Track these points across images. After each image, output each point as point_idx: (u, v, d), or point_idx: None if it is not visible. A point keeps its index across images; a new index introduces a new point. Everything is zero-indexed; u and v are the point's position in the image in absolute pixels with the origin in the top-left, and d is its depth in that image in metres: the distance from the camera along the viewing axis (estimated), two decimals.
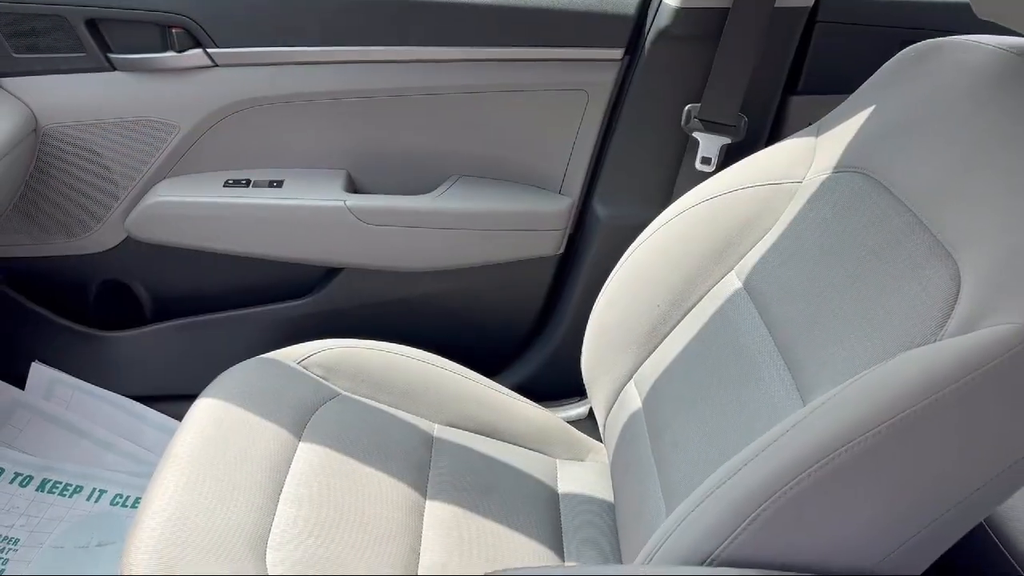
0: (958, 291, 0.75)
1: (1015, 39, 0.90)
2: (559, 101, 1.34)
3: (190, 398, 1.09)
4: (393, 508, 1.01)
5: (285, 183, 1.37)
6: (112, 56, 1.28)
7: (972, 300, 0.73)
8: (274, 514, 0.95)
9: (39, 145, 1.31)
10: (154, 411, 1.51)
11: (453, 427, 1.19)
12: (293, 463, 1.02)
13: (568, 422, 1.30)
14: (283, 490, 0.98)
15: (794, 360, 0.89)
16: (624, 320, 1.12)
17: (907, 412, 0.68)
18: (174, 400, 1.50)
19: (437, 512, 1.03)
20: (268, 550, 0.91)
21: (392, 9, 1.30)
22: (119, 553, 0.91)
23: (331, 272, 1.45)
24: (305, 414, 1.09)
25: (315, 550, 0.92)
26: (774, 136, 1.32)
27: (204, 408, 1.07)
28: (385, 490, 1.03)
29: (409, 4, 1.30)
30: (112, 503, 1.40)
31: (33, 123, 1.28)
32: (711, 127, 1.27)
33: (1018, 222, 0.73)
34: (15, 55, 1.26)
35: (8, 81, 1.27)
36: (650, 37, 1.27)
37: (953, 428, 0.69)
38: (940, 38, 0.99)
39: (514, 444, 1.21)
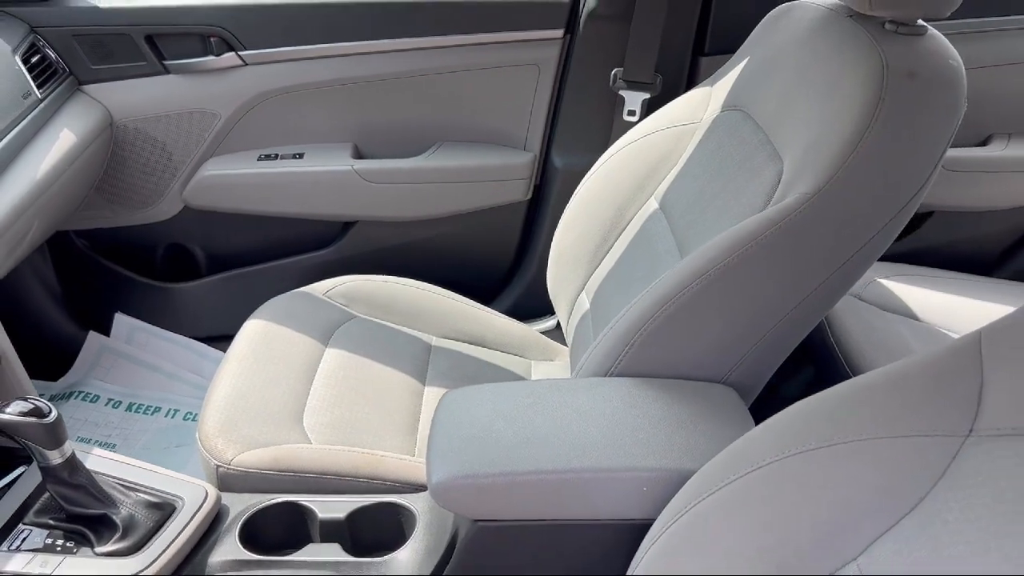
0: (779, 181, 1.03)
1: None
2: (517, 75, 1.63)
3: None
4: (399, 391, 1.28)
5: (305, 155, 1.69)
6: (166, 62, 1.60)
7: (783, 185, 1.00)
8: (308, 395, 1.24)
9: (114, 137, 1.64)
10: (211, 348, 1.83)
11: (448, 339, 1.45)
12: (321, 363, 1.31)
13: (541, 333, 1.56)
14: (314, 379, 1.27)
15: (683, 246, 1.15)
16: (575, 244, 1.37)
17: (729, 259, 0.95)
18: (226, 339, 1.80)
19: (433, 394, 1.30)
20: (304, 417, 1.20)
21: (380, 9, 1.59)
22: (192, 452, 1.17)
23: (346, 225, 1.75)
24: (330, 329, 1.37)
25: (339, 415, 1.21)
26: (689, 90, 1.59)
27: (252, 326, 1.37)
28: (393, 380, 1.30)
29: (393, 4, 1.59)
30: (184, 418, 1.74)
31: (109, 119, 1.61)
32: (633, 85, 1.55)
33: (813, 126, 0.99)
34: (93, 66, 1.59)
35: (89, 87, 1.60)
36: (583, 18, 1.56)
37: (763, 267, 0.95)
38: (791, 2, 1.24)
39: (497, 350, 1.47)
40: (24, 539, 0.98)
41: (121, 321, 1.82)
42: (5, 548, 0.96)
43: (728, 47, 1.36)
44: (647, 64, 1.53)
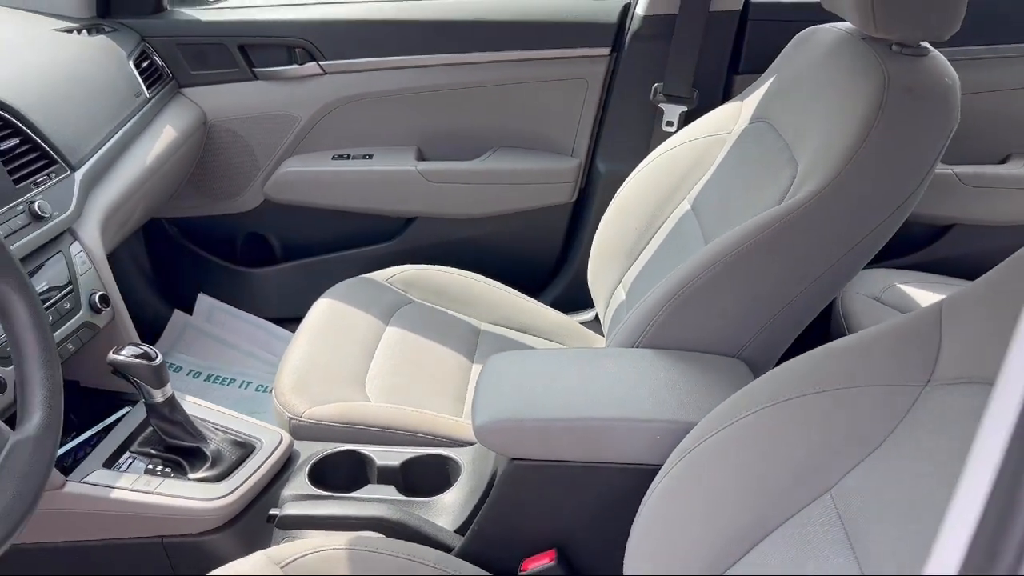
0: (792, 182, 1.16)
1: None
2: (567, 88, 1.78)
3: None
4: (449, 366, 1.42)
5: (374, 156, 1.86)
6: (255, 69, 1.79)
7: (795, 185, 1.13)
8: (370, 363, 1.40)
9: (207, 135, 1.84)
10: (282, 328, 2.01)
11: (495, 325, 1.58)
12: (382, 338, 1.46)
13: (581, 323, 1.68)
14: (375, 351, 1.43)
15: (709, 242, 1.28)
16: (614, 242, 1.48)
17: (743, 246, 1.07)
18: (296, 321, 1.96)
19: (479, 372, 1.47)
20: (366, 381, 1.36)
21: (446, 26, 1.76)
22: (263, 420, 1.31)
23: (408, 221, 1.92)
24: (390, 311, 1.52)
25: (396, 381, 1.36)
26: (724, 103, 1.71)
27: (323, 304, 1.53)
28: (444, 356, 1.45)
29: (458, 22, 1.76)
30: (255, 390, 1.92)
31: (203, 119, 1.81)
32: (672, 99, 1.69)
33: (823, 133, 1.11)
34: (192, 72, 1.79)
35: (187, 90, 1.81)
36: (628, 38, 1.71)
37: (772, 255, 1.07)
38: (816, 26, 1.37)
39: (540, 337, 1.59)
40: (130, 464, 1.17)
41: (203, 301, 2.01)
42: (116, 470, 1.15)
43: (760, 66, 1.48)
44: (685, 80, 1.67)
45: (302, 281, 1.98)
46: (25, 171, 1.18)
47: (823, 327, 1.58)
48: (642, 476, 0.97)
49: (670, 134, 1.56)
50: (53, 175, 1.22)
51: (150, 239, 1.97)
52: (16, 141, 1.18)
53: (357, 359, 1.40)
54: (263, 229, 1.98)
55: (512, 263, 1.88)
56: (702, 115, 1.47)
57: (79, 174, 1.28)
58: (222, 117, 1.82)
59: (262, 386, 1.92)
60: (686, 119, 1.67)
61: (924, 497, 0.70)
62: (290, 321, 1.99)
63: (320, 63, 1.78)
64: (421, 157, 1.88)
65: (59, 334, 1.14)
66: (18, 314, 0.82)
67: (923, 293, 1.62)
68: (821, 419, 0.81)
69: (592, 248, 1.54)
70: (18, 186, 1.15)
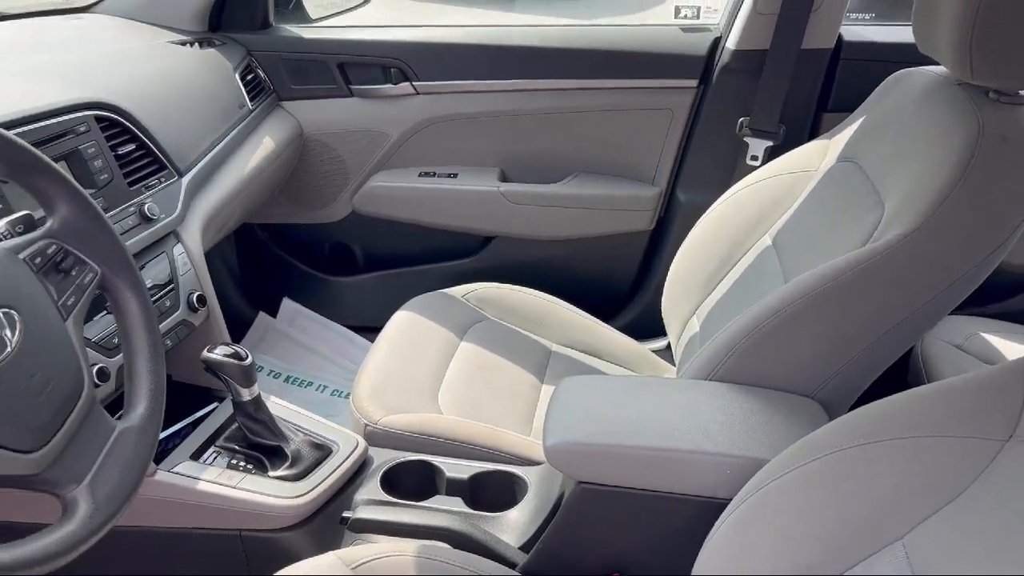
0: (878, 225, 1.15)
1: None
2: (652, 118, 1.80)
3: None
4: (520, 385, 1.45)
5: (459, 175, 1.91)
6: (352, 87, 1.87)
7: (881, 227, 1.12)
8: (443, 376, 1.43)
9: (302, 147, 1.92)
10: (360, 336, 2.07)
11: (567, 347, 1.60)
12: (456, 352, 1.50)
13: (652, 351, 1.69)
14: (449, 365, 1.46)
15: (789, 280, 1.24)
16: (691, 272, 1.49)
17: (825, 286, 1.07)
18: (373, 329, 2.01)
19: (549, 392, 1.42)
20: (439, 393, 1.40)
21: (536, 53, 1.80)
22: (338, 423, 1.33)
23: (486, 239, 1.96)
24: (465, 326, 1.56)
25: (468, 396, 1.39)
26: (811, 140, 1.70)
27: (401, 316, 1.57)
28: (515, 374, 1.47)
29: (549, 49, 1.80)
30: (331, 394, 1.98)
31: (300, 132, 1.89)
32: (758, 134, 1.69)
33: (913, 177, 1.10)
34: (292, 86, 1.88)
35: (286, 103, 1.89)
36: (716, 71, 1.72)
37: (855, 297, 1.06)
38: (910, 68, 1.36)
39: (610, 362, 1.61)
40: (215, 458, 1.22)
41: (287, 305, 2.09)
42: (201, 462, 1.21)
43: (849, 105, 1.46)
44: (773, 115, 1.67)
45: (382, 292, 2.04)
46: (138, 175, 1.26)
47: (900, 371, 1.55)
48: (710, 509, 0.97)
49: (754, 168, 1.56)
50: (163, 179, 1.30)
51: (241, 243, 2.06)
52: (133, 147, 1.26)
53: (432, 371, 1.44)
54: (348, 240, 2.05)
55: (586, 287, 1.90)
56: (788, 151, 1.46)
57: (185, 179, 1.36)
58: (317, 130, 1.90)
59: (338, 391, 1.98)
60: (771, 154, 1.67)
61: (1004, 549, 0.69)
62: (368, 330, 2.05)
63: (414, 83, 1.84)
64: (504, 178, 1.92)
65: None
66: (131, 310, 0.88)
67: (1008, 344, 1.58)
68: (897, 466, 0.81)
69: (668, 277, 1.54)
70: (131, 188, 1.23)
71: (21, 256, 0.79)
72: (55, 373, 0.76)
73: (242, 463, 1.21)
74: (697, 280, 1.48)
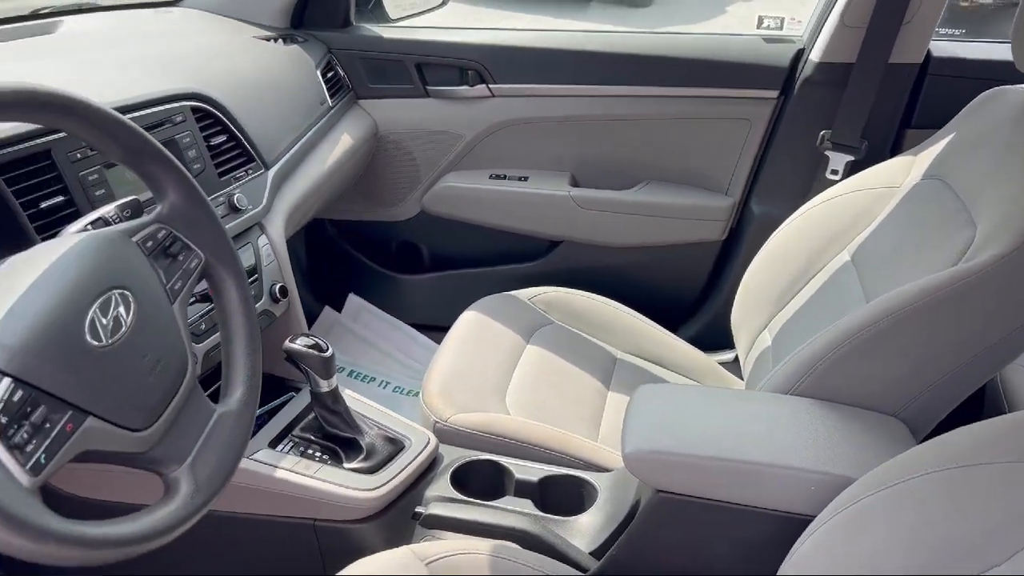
0: (970, 245, 1.12)
1: None
2: (729, 127, 1.79)
3: (445, 329, 1.52)
4: (586, 390, 1.45)
5: (530, 178, 1.92)
6: (428, 87, 1.88)
7: (974, 247, 1.09)
8: (511, 378, 1.44)
9: (376, 145, 1.94)
10: (422, 334, 2.09)
11: (632, 355, 1.59)
12: (523, 355, 1.50)
13: (719, 363, 1.67)
14: (516, 367, 1.47)
15: (871, 298, 1.22)
16: (763, 285, 1.47)
17: (917, 304, 1.04)
18: (435, 328, 2.05)
19: (615, 400, 1.46)
20: (506, 395, 1.40)
21: (613, 59, 1.80)
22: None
23: (553, 244, 1.96)
24: (531, 330, 1.56)
25: (535, 398, 1.39)
26: (893, 156, 1.67)
27: (469, 316, 1.58)
28: (581, 380, 1.47)
29: (626, 55, 1.79)
30: (393, 390, 2.00)
31: (375, 130, 1.91)
32: (839, 148, 1.67)
33: (1011, 198, 1.07)
34: (370, 85, 1.90)
35: (363, 101, 1.92)
36: (798, 83, 1.70)
37: (947, 317, 1.04)
38: (1005, 86, 1.33)
39: (676, 372, 1.60)
40: (291, 447, 1.24)
41: (353, 301, 2.12)
42: (279, 451, 1.22)
43: (935, 122, 1.44)
44: (855, 130, 1.65)
45: (447, 292, 2.05)
46: (228, 166, 1.29)
47: (977, 397, 1.51)
48: (790, 525, 0.96)
49: (834, 182, 1.54)
50: (251, 171, 1.33)
51: (310, 237, 2.09)
52: (224, 138, 1.29)
53: (499, 372, 1.44)
54: (416, 238, 2.06)
55: (653, 295, 1.90)
56: (869, 166, 1.44)
57: (271, 172, 1.38)
58: (392, 129, 1.92)
59: (400, 388, 2.00)
60: (852, 169, 1.64)
61: None
62: (431, 328, 2.08)
63: (490, 86, 1.85)
64: (574, 183, 1.92)
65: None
66: (231, 297, 0.90)
67: None
68: (995, 491, 0.79)
69: (739, 289, 1.53)
70: (221, 179, 1.26)
71: (134, 239, 0.81)
72: (164, 354, 0.78)
73: (318, 453, 1.23)
74: (770, 294, 1.46)
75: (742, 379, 1.52)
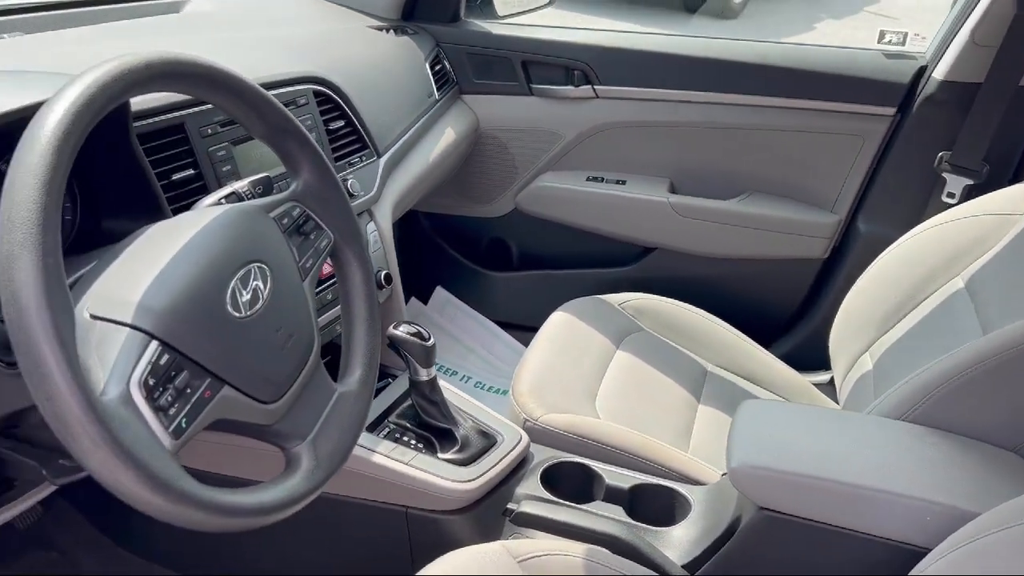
0: None
1: None
2: (840, 143, 1.74)
3: (529, 328, 1.54)
4: (676, 401, 1.43)
5: (627, 182, 1.90)
6: (532, 86, 1.88)
7: None
8: (600, 382, 1.43)
9: (476, 140, 1.95)
10: (505, 332, 2.08)
11: (723, 368, 1.56)
12: (612, 359, 1.49)
13: (813, 384, 1.63)
14: (606, 371, 1.45)
15: (988, 328, 1.19)
16: (868, 307, 1.43)
17: None
18: (519, 328, 2.06)
19: (705, 413, 1.44)
20: (596, 400, 1.39)
21: (722, 65, 1.77)
22: None
23: (647, 250, 1.94)
24: (621, 335, 1.54)
25: (624, 405, 1.38)
26: (1015, 183, 1.60)
27: (559, 317, 1.57)
28: (672, 390, 1.45)
29: (737, 63, 1.76)
30: (474, 386, 2.00)
31: (476, 126, 1.92)
32: (958, 170, 1.60)
33: None
34: (475, 80, 1.91)
35: (467, 96, 1.92)
36: (918, 100, 1.65)
37: None
38: None
39: (767, 390, 1.56)
40: (386, 433, 1.25)
41: (440, 294, 2.13)
42: (375, 435, 1.23)
43: None
44: (977, 152, 1.58)
45: (534, 291, 2.05)
46: (344, 151, 1.30)
47: None
48: (901, 555, 0.92)
49: (949, 206, 1.50)
50: (364, 158, 1.34)
51: (403, 228, 2.11)
52: (342, 123, 1.31)
53: (590, 375, 1.43)
54: (507, 236, 2.07)
55: (747, 309, 1.85)
56: (989, 191, 1.39)
57: (383, 160, 1.40)
58: (493, 126, 1.92)
59: (481, 383, 2.00)
60: (969, 193, 1.59)
61: None
62: (515, 327, 2.08)
63: (595, 87, 1.84)
64: (673, 190, 1.89)
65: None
66: (355, 279, 0.91)
67: None
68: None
69: (840, 310, 1.48)
70: (337, 163, 1.28)
71: (271, 215, 0.82)
72: (295, 330, 0.79)
73: (412, 441, 1.23)
74: (873, 316, 1.41)
75: (836, 402, 1.48)
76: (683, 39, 1.85)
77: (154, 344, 0.66)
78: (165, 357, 0.66)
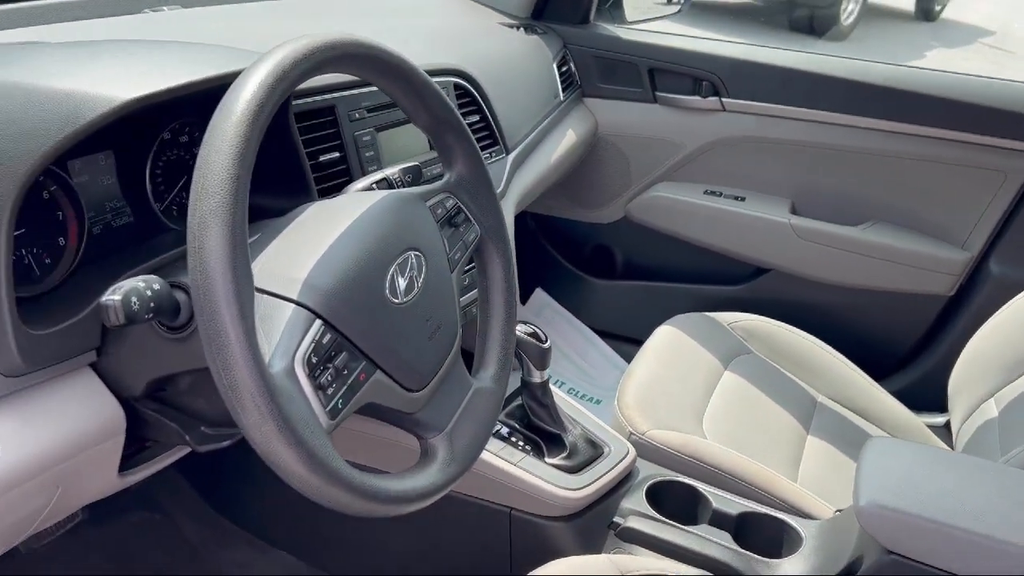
0: None
1: None
2: (977, 177, 1.65)
3: (626, 339, 1.52)
4: (785, 430, 1.39)
5: (747, 199, 1.85)
6: (657, 93, 1.86)
7: None
8: (708, 402, 1.40)
9: (593, 144, 1.92)
10: (601, 340, 2.06)
11: (833, 400, 1.51)
12: (720, 380, 1.45)
13: (927, 425, 1.56)
14: (713, 391, 1.42)
15: None
16: (996, 351, 1.36)
17: None
18: (615, 338, 2.03)
19: (814, 445, 1.39)
20: (704, 418, 1.36)
21: (856, 87, 1.71)
22: None
23: (760, 271, 1.89)
24: (729, 356, 1.51)
25: (732, 429, 1.34)
26: None
27: (665, 331, 1.54)
28: (780, 418, 1.41)
29: (875, 86, 1.70)
30: (567, 393, 1.97)
31: (595, 130, 1.90)
32: None
33: None
34: (598, 84, 1.89)
35: (588, 100, 1.91)
36: None
37: None
38: None
39: (879, 427, 1.50)
40: (495, 431, 1.24)
41: (539, 296, 2.12)
42: None
43: None
44: None
45: (635, 302, 2.02)
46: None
47: None
48: None
49: None
50: (493, 154, 1.34)
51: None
52: (477, 118, 1.31)
53: (697, 394, 1.40)
54: (613, 244, 2.04)
55: (862, 341, 1.79)
56: None
57: (510, 157, 1.39)
58: (612, 131, 1.90)
59: (574, 390, 1.98)
60: None
61: None
62: (612, 336, 2.05)
63: (723, 99, 1.80)
64: (794, 211, 1.84)
65: (465, 299, 1.24)
66: (495, 276, 0.90)
67: None
68: None
69: (965, 351, 1.42)
70: None
71: (428, 204, 0.82)
72: (443, 320, 0.79)
73: (520, 443, 1.22)
74: (1001, 361, 1.34)
75: (951, 446, 1.42)
76: (818, 57, 1.79)
77: (318, 323, 0.66)
78: (327, 336, 0.66)
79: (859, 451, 1.41)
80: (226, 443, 0.78)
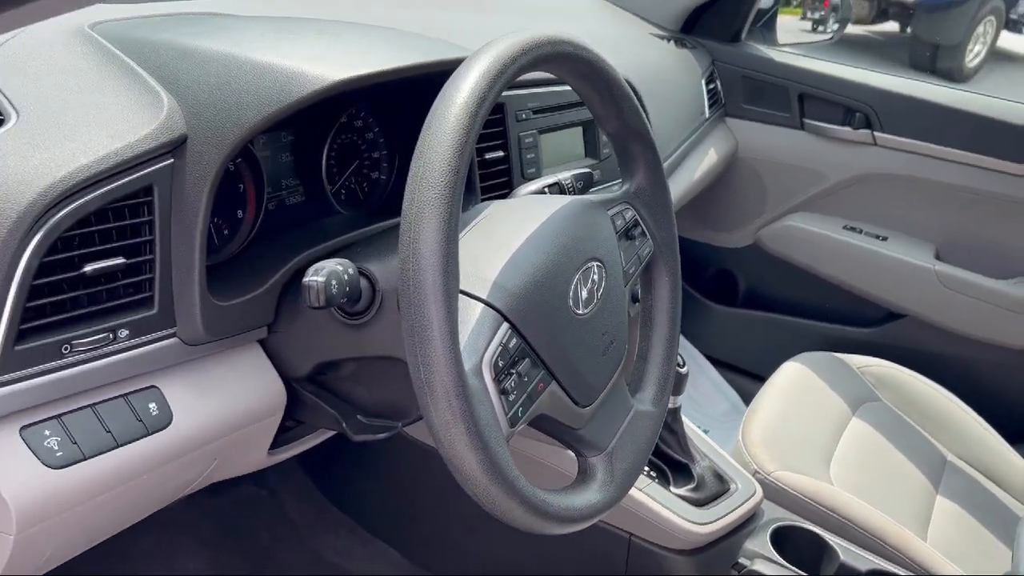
0: None
1: None
2: None
3: (740, 371, 1.45)
4: (914, 484, 1.32)
5: (889, 239, 1.77)
6: (805, 120, 1.78)
7: None
8: (835, 447, 1.33)
9: (730, 166, 1.86)
10: (713, 368, 1.99)
11: (964, 461, 1.43)
12: (848, 425, 1.39)
13: None
14: (841, 437, 1.36)
15: None
16: None
17: None
18: (729, 368, 1.96)
19: (944, 506, 1.31)
20: (831, 464, 1.30)
21: (1013, 131, 1.60)
22: None
23: (893, 315, 1.80)
24: (858, 402, 1.44)
25: (860, 476, 1.28)
26: None
27: (792, 368, 1.48)
28: (910, 472, 1.34)
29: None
30: None
31: (734, 151, 1.84)
32: None
33: None
34: (743, 104, 1.83)
35: (730, 120, 1.85)
36: None
37: None
38: None
39: (1010, 494, 1.41)
40: None
41: None
42: None
43: None
44: None
45: (756, 333, 1.95)
46: None
47: None
48: None
49: None
50: None
51: None
52: None
53: (825, 437, 1.35)
54: (738, 270, 1.98)
55: (998, 400, 1.68)
56: None
57: None
58: (751, 154, 1.84)
59: None
60: None
61: None
62: (725, 366, 1.99)
63: (875, 132, 1.72)
64: (938, 256, 1.74)
65: None
66: (662, 295, 0.86)
67: None
68: None
69: None
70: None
71: (609, 213, 0.79)
72: (616, 336, 0.75)
73: (646, 468, 1.18)
74: None
75: None
76: (981, 97, 1.69)
77: (505, 326, 0.63)
78: (514, 341, 0.63)
79: (991, 518, 1.35)
80: (383, 435, 0.76)
